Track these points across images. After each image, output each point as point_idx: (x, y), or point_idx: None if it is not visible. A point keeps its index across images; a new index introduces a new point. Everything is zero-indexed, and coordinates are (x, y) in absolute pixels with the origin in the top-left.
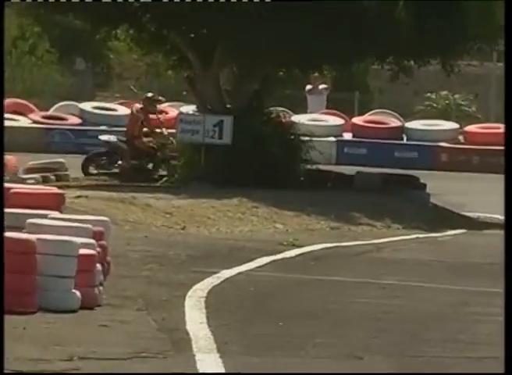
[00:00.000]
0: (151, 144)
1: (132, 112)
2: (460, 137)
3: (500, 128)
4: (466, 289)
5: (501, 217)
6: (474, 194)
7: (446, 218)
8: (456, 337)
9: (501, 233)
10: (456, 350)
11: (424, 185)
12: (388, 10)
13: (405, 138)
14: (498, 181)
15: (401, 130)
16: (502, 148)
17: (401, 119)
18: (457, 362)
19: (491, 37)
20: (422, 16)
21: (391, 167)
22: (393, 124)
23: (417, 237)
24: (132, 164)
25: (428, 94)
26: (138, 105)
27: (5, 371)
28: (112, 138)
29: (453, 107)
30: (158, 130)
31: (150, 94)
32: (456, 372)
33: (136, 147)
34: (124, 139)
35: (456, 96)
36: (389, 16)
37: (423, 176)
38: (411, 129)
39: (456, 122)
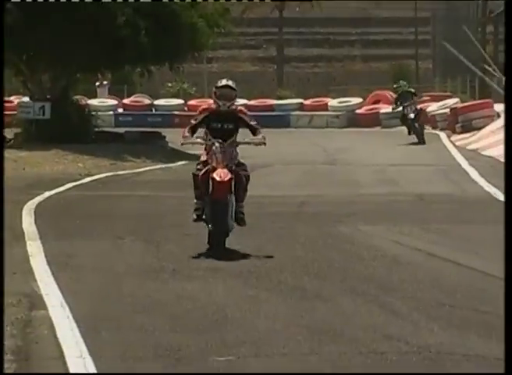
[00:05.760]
0: None
1: None
2: (186, 108)
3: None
4: (184, 196)
5: None
6: None
7: (177, 155)
8: (178, 222)
9: None
10: (176, 229)
11: (165, 137)
12: (135, 35)
13: (154, 110)
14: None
15: (151, 105)
16: None
17: (151, 98)
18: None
19: (200, 47)
20: (157, 38)
21: (146, 127)
22: (146, 102)
23: (160, 167)
24: None
25: (169, 84)
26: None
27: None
28: None
29: (181, 91)
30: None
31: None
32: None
33: None
34: None
35: (185, 85)
36: (135, 39)
37: (165, 132)
38: (157, 104)
39: (183, 99)
